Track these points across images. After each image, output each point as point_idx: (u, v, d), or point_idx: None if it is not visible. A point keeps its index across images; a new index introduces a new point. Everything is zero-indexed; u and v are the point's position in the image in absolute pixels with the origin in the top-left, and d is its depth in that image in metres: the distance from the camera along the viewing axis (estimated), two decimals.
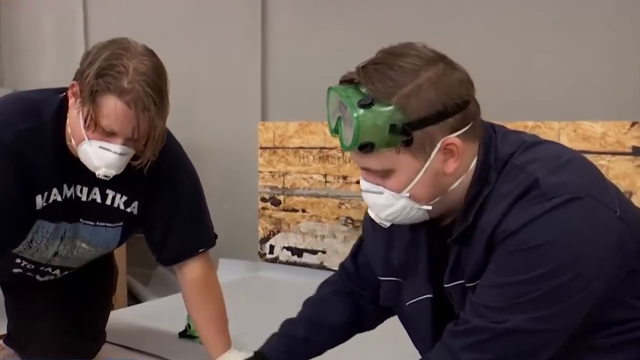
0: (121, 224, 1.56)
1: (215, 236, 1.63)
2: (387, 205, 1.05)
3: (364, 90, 0.98)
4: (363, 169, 1.05)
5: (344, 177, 2.50)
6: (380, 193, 1.04)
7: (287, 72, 2.76)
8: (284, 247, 2.73)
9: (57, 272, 1.64)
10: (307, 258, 2.66)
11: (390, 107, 0.96)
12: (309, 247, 2.65)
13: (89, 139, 1.32)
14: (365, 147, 0.97)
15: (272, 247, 2.78)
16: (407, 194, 1.02)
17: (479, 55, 2.30)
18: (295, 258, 2.70)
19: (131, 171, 1.40)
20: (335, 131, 1.03)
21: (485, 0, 2.35)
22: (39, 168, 1.41)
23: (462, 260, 1.05)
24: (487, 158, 1.02)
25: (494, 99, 2.15)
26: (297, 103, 2.70)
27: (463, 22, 2.37)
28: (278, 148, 2.68)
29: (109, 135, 1.31)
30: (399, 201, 1.03)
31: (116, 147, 1.31)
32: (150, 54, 1.33)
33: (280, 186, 2.70)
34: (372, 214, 1.09)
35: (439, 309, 1.12)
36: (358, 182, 2.37)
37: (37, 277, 1.64)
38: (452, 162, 1.00)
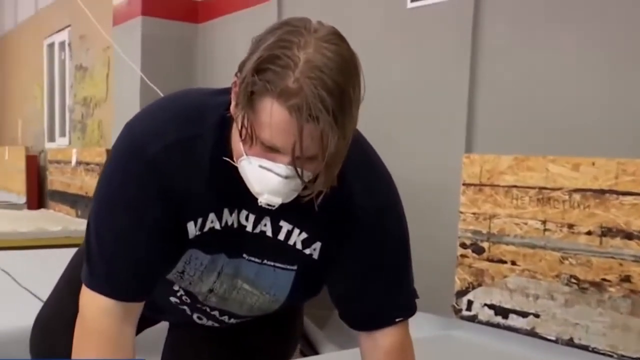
0: (295, 267, 1.22)
1: (417, 297, 1.27)
2: None
3: None
4: None
5: (570, 226, 2.01)
6: None
7: (501, 97, 2.33)
8: (485, 304, 2.28)
9: (217, 313, 1.34)
10: (514, 321, 2.18)
11: None
12: (517, 308, 2.17)
13: (247, 154, 1.00)
14: None
15: (470, 303, 2.34)
16: None
17: None
18: (498, 319, 2.23)
19: (311, 203, 1.06)
20: None
21: None
22: (192, 189, 1.11)
23: None
24: None
25: None
26: (512, 133, 2.26)
27: None
28: (485, 185, 2.25)
29: (270, 151, 0.97)
30: None
31: (280, 167, 0.98)
32: (338, 40, 0.98)
33: (485, 231, 2.26)
34: None
35: None
36: (588, 233, 1.89)
37: (195, 316, 1.36)
38: None
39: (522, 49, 2.30)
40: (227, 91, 1.12)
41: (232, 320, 1.36)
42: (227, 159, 1.07)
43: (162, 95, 3.53)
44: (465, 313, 2.36)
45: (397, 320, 1.22)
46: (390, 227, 1.21)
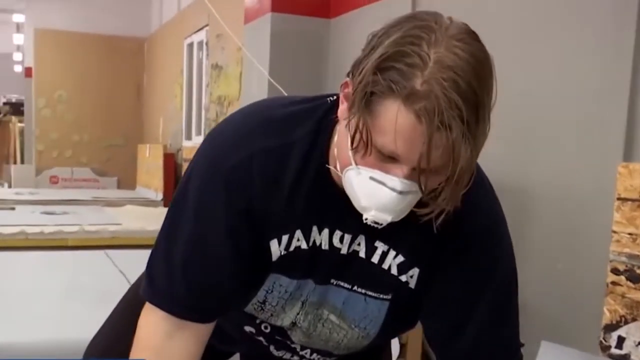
0: (389, 297, 1.04)
1: (522, 345, 1.08)
2: None
3: None
4: None
5: None
6: None
7: None
8: None
9: (297, 347, 1.15)
10: None
11: None
12: None
13: (356, 164, 0.88)
14: None
15: (621, 340, 1.97)
16: None
17: None
18: None
19: (416, 220, 0.92)
20: None
21: None
22: (277, 203, 0.98)
23: None
24: None
25: None
26: None
27: None
28: None
29: (386, 160, 0.88)
30: None
31: (395, 180, 0.87)
32: (471, 39, 0.87)
33: None
34: None
35: None
36: None
37: (272, 347, 1.17)
38: None
39: None
40: (311, 99, 1.05)
41: (314, 356, 1.16)
42: (332, 167, 0.96)
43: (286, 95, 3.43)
44: (614, 351, 2.00)
45: None
46: (500, 250, 1.06)
